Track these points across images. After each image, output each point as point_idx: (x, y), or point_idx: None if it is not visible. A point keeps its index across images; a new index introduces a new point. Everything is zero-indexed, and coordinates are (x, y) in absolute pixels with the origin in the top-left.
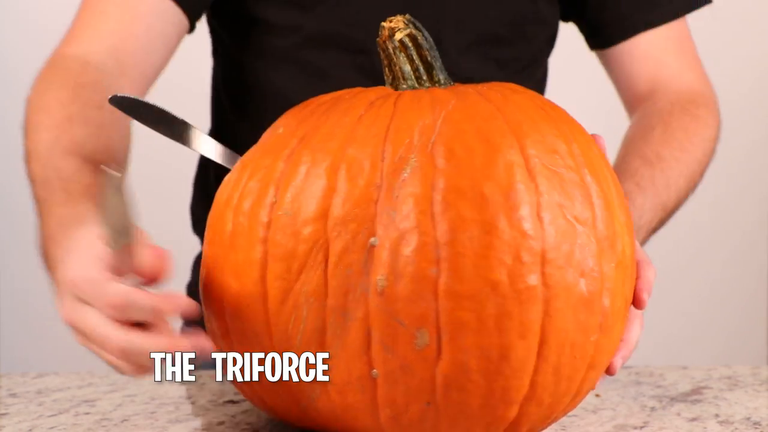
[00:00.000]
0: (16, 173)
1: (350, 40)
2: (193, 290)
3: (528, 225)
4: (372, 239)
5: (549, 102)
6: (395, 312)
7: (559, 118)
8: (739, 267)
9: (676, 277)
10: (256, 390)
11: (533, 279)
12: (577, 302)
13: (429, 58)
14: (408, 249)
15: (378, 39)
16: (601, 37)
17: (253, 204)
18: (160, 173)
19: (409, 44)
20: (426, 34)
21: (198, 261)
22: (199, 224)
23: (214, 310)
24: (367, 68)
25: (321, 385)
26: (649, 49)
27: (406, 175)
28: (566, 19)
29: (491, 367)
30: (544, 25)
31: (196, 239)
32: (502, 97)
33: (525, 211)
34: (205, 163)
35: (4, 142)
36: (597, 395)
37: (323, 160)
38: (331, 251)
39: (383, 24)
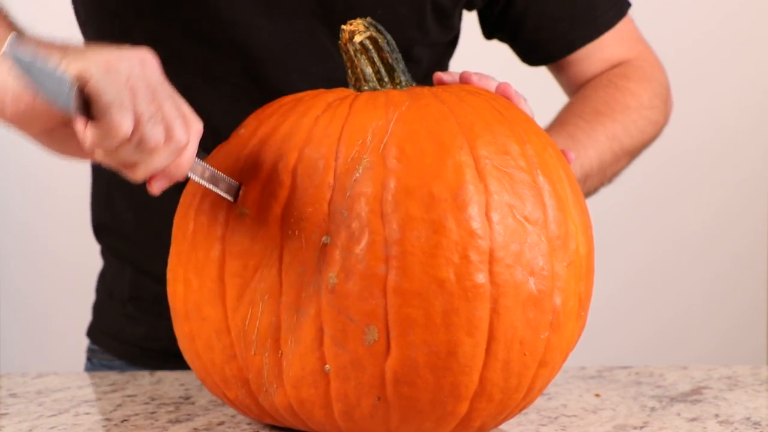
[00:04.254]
0: (15, 174)
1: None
2: (99, 308)
3: (476, 224)
4: (324, 238)
5: (507, 104)
6: (345, 308)
7: (515, 119)
8: (738, 267)
9: (676, 277)
10: (219, 385)
11: (481, 277)
12: (527, 300)
13: (390, 61)
14: (358, 247)
15: (339, 41)
16: (541, 55)
17: (213, 203)
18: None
19: (370, 47)
20: (388, 37)
21: (103, 278)
22: (104, 232)
23: (178, 310)
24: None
25: (277, 380)
26: (593, 53)
27: (358, 174)
28: (490, 38)
29: (439, 363)
30: (433, 47)
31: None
32: (457, 98)
33: (473, 211)
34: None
35: (3, 143)
36: (597, 395)
37: (280, 160)
38: (285, 249)
39: (343, 27)
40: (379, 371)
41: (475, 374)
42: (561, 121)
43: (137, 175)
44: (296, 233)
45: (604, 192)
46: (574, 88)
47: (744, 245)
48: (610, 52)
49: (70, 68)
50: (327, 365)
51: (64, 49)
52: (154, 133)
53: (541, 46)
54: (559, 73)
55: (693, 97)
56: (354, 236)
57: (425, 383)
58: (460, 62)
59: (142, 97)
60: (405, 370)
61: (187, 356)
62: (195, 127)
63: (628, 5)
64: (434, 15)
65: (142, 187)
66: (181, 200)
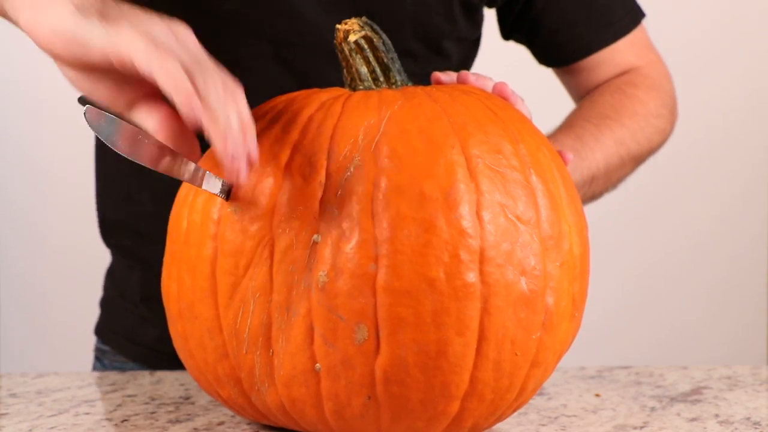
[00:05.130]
0: (16, 174)
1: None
2: (108, 306)
3: (467, 223)
4: (315, 236)
5: (501, 103)
6: (335, 307)
7: (509, 119)
8: (739, 267)
9: (676, 277)
10: (212, 384)
11: (471, 276)
12: (518, 300)
13: (385, 60)
14: (348, 246)
15: (334, 41)
16: (557, 56)
17: (206, 201)
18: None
19: (365, 46)
20: (384, 36)
21: (111, 275)
22: (114, 232)
23: (172, 309)
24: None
25: (269, 379)
26: (606, 59)
27: (349, 173)
28: (507, 38)
29: (429, 363)
30: (461, 42)
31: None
32: (450, 97)
33: (464, 210)
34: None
35: (4, 142)
36: (597, 395)
37: (273, 158)
38: (276, 247)
39: (338, 26)
40: (369, 370)
41: (466, 374)
42: (569, 124)
43: (232, 138)
44: (287, 231)
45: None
46: (583, 92)
47: (744, 246)
48: (622, 58)
49: (110, 43)
50: (317, 364)
51: (102, 13)
52: (209, 77)
53: (557, 48)
54: (570, 76)
55: (696, 97)
56: (344, 235)
57: (416, 382)
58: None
59: (184, 59)
60: (395, 369)
61: (182, 355)
62: (239, 88)
63: (643, 14)
64: (461, 8)
65: (164, 177)
66: (177, 199)
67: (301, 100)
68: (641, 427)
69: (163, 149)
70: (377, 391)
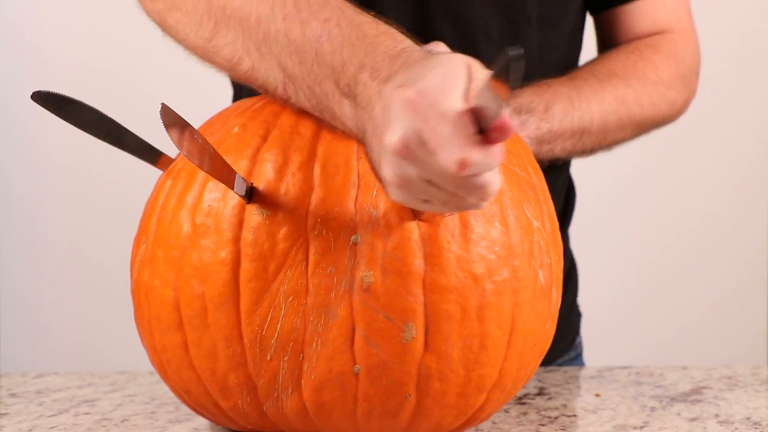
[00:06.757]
0: (16, 174)
1: None
2: None
3: (499, 220)
4: (354, 237)
5: None
6: (382, 307)
7: None
8: (739, 267)
9: (676, 277)
10: (211, 394)
11: (506, 272)
12: (539, 293)
13: None
14: (392, 245)
15: None
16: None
17: (212, 205)
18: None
19: None
20: None
21: None
22: None
23: (164, 317)
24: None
25: (294, 384)
26: (646, 9)
27: None
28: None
29: (471, 357)
30: None
31: None
32: None
33: (496, 208)
34: None
35: (5, 142)
36: (597, 395)
37: (297, 159)
38: (311, 250)
39: None
40: (415, 368)
41: (498, 366)
42: (573, 75)
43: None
44: (324, 233)
45: (605, 193)
46: (614, 47)
47: (744, 246)
48: (661, 16)
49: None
50: (357, 366)
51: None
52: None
53: None
54: (607, 26)
55: (702, 96)
56: (386, 234)
57: (456, 377)
58: None
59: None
60: (440, 365)
61: (172, 366)
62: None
63: None
64: None
65: None
66: (165, 201)
67: None
68: (641, 427)
69: (206, 148)
70: (418, 389)
